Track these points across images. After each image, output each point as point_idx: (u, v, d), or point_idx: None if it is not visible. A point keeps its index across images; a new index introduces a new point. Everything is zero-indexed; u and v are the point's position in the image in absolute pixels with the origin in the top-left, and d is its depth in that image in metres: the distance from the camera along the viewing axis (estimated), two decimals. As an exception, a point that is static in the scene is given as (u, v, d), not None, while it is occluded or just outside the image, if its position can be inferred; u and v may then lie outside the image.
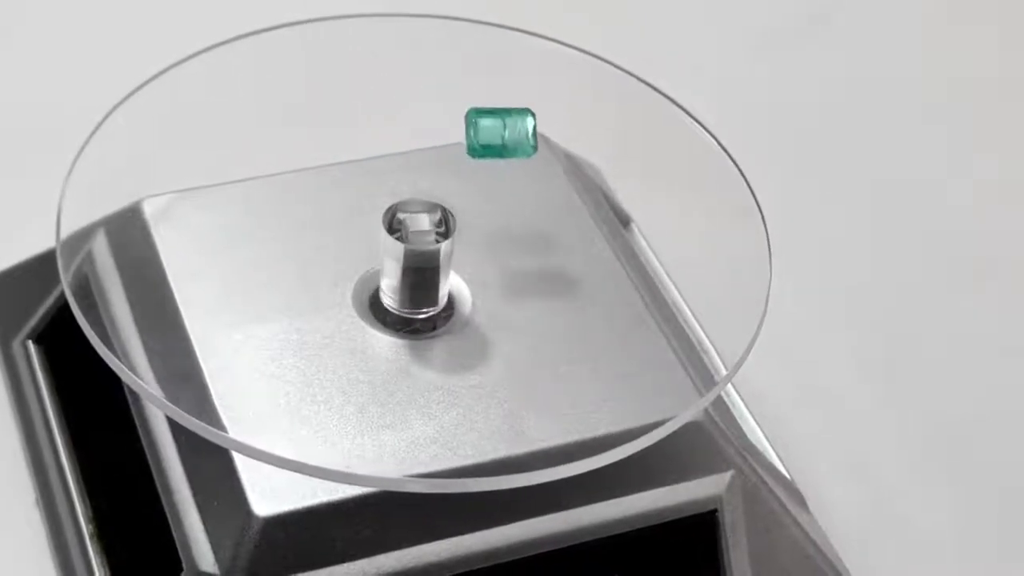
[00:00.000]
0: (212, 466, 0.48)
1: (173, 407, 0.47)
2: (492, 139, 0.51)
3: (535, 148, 0.52)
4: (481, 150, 0.51)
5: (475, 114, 0.51)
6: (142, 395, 0.50)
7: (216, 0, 0.76)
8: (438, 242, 0.50)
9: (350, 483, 0.47)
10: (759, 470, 0.52)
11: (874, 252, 0.69)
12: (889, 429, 0.62)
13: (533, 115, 0.51)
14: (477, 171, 0.57)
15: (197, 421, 0.46)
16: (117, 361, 0.48)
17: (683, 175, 0.58)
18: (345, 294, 0.52)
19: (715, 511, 0.51)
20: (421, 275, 0.51)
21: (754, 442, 0.55)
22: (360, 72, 0.59)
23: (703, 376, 0.52)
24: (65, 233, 0.52)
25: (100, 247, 0.54)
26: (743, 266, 0.53)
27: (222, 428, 0.48)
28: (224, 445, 0.47)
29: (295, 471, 0.46)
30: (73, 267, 0.54)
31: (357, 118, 0.59)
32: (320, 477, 0.47)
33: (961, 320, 0.66)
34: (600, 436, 0.49)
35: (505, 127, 0.51)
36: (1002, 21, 0.83)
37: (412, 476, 0.47)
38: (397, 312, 0.52)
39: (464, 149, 0.55)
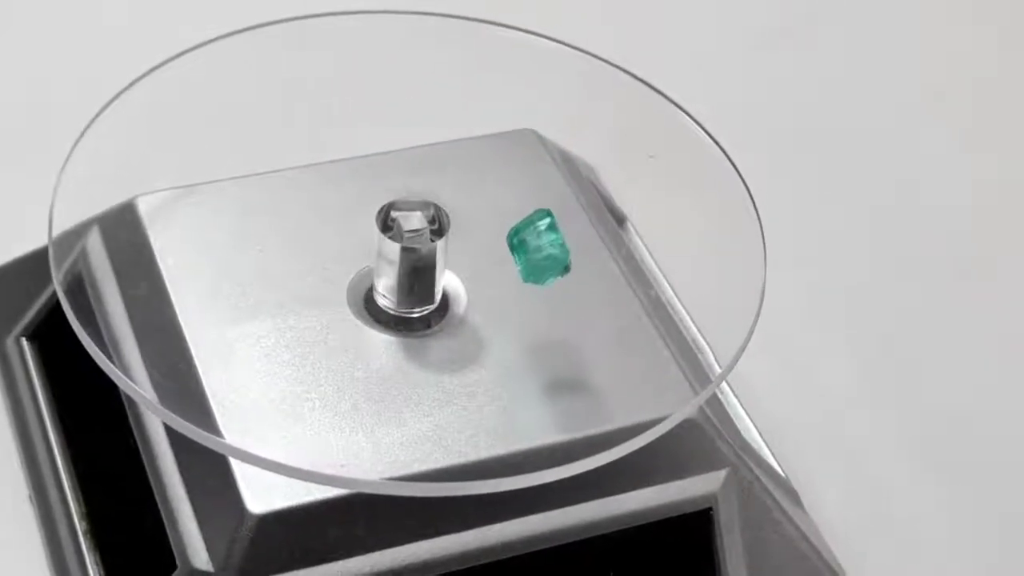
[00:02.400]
0: (206, 463, 0.48)
1: (166, 411, 0.47)
2: (534, 249, 0.50)
3: (536, 283, 0.51)
4: (517, 242, 0.50)
5: (550, 219, 0.50)
6: (136, 399, 0.50)
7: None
8: (432, 240, 0.50)
9: (348, 488, 0.47)
10: (754, 468, 0.52)
11: (870, 251, 0.69)
12: (885, 427, 0.62)
13: (568, 266, 0.50)
14: (472, 169, 0.57)
15: (189, 425, 0.46)
16: (111, 364, 0.48)
17: (679, 174, 0.58)
18: (340, 292, 0.52)
19: (710, 509, 0.51)
20: (415, 273, 0.50)
21: (749, 440, 0.55)
22: (355, 69, 0.59)
23: (698, 374, 0.52)
24: (58, 231, 0.52)
25: (94, 244, 0.54)
26: (738, 265, 0.53)
27: (216, 427, 0.48)
28: (218, 450, 0.47)
29: (291, 476, 0.46)
30: (66, 265, 0.54)
31: (352, 115, 0.59)
32: (321, 483, 0.47)
33: (957, 320, 0.66)
34: (595, 434, 0.49)
35: (547, 248, 0.50)
36: (1002, 21, 0.83)
37: (407, 475, 0.47)
38: (391, 310, 0.52)
39: (459, 147, 0.56)
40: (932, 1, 0.84)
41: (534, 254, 0.50)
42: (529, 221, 0.50)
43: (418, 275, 0.51)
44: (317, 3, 0.58)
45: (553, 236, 0.50)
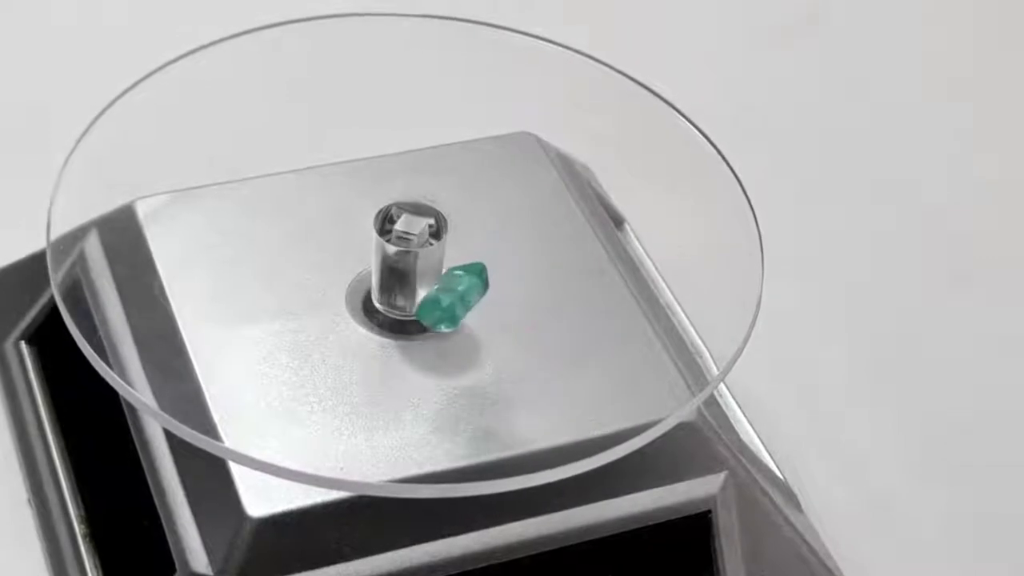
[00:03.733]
0: (205, 467, 0.48)
1: (165, 415, 0.47)
2: (441, 289, 0.50)
3: (421, 319, 0.51)
4: (443, 278, 0.51)
5: (472, 280, 0.50)
6: (134, 404, 0.50)
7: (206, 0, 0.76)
8: (430, 244, 0.50)
9: (348, 491, 0.47)
10: (753, 471, 0.52)
11: (868, 252, 0.69)
12: (882, 429, 0.62)
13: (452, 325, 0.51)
14: (470, 172, 0.57)
15: (189, 429, 0.46)
16: (108, 369, 0.48)
17: (676, 176, 0.58)
18: (338, 295, 0.52)
19: (709, 512, 0.51)
20: (413, 276, 0.50)
21: (747, 443, 0.55)
22: (354, 72, 0.59)
23: (696, 376, 0.52)
24: (56, 234, 0.52)
25: (92, 248, 0.54)
26: (736, 266, 0.53)
27: (215, 432, 0.48)
28: (218, 454, 0.47)
29: (289, 479, 0.46)
30: (64, 268, 0.54)
31: (351, 118, 0.59)
32: (320, 486, 0.47)
33: (955, 321, 0.66)
34: (593, 437, 0.49)
35: (446, 297, 0.50)
36: (1003, 20, 0.83)
37: (406, 478, 0.47)
38: (390, 313, 0.51)
39: (457, 150, 0.56)
40: (932, 1, 0.84)
41: (435, 294, 0.50)
42: (465, 269, 0.50)
43: (416, 278, 0.51)
44: (316, 6, 0.58)
45: (462, 291, 0.50)
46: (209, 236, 0.54)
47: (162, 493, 0.50)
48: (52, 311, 0.57)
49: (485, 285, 0.50)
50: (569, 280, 0.54)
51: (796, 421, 0.61)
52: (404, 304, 0.51)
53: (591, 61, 0.57)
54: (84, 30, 0.75)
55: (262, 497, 0.47)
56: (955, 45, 0.81)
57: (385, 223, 0.50)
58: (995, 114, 0.77)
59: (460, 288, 0.50)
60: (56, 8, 0.77)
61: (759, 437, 0.56)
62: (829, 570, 0.53)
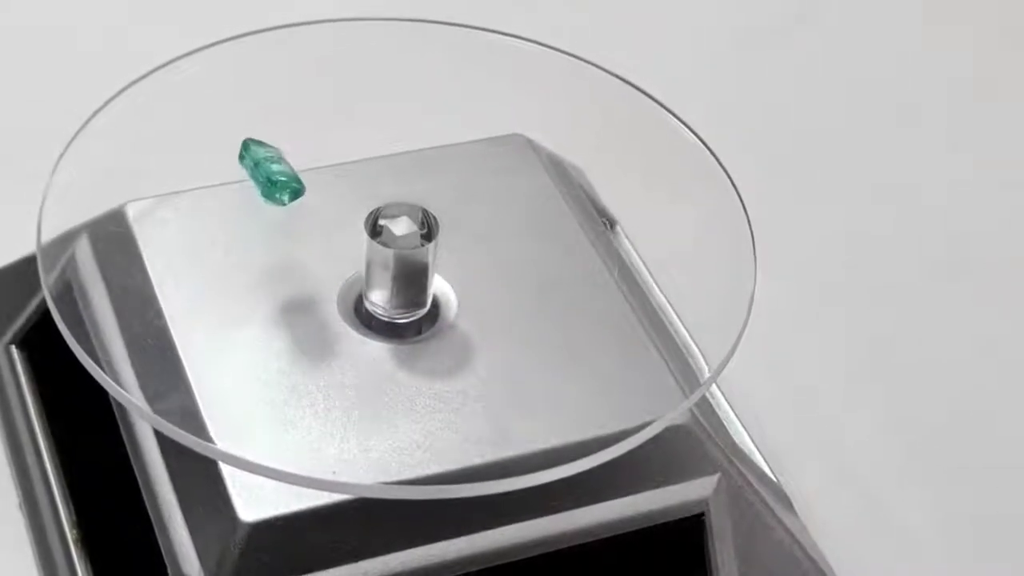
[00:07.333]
0: (198, 471, 0.48)
1: (157, 417, 0.47)
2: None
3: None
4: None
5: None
6: (126, 406, 0.50)
7: (198, 4, 0.76)
8: (421, 245, 0.50)
9: (339, 492, 0.47)
10: (746, 473, 0.52)
11: (860, 253, 0.69)
12: (875, 431, 0.62)
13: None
14: (462, 174, 0.57)
15: (181, 431, 0.46)
16: (100, 372, 0.48)
17: (668, 176, 0.58)
18: (330, 298, 0.52)
19: (702, 514, 0.51)
20: (404, 279, 0.50)
21: (740, 444, 0.55)
22: (345, 76, 0.59)
23: (688, 378, 0.52)
24: (46, 237, 0.52)
25: (83, 251, 0.54)
26: (728, 267, 0.53)
27: (207, 435, 0.48)
28: (210, 456, 0.47)
29: (282, 481, 0.46)
30: (56, 271, 0.54)
31: (342, 121, 0.59)
32: (310, 487, 0.47)
33: (947, 322, 0.66)
34: (585, 439, 0.49)
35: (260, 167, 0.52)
36: (998, 21, 0.83)
37: (398, 482, 0.47)
38: (382, 316, 0.51)
39: (449, 152, 0.56)
40: (925, 1, 0.84)
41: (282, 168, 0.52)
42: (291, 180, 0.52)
43: (408, 280, 0.50)
44: (309, 10, 0.58)
45: (271, 168, 0.52)
46: (200, 239, 0.54)
47: (154, 497, 0.50)
48: (42, 315, 0.57)
49: (288, 192, 0.52)
50: (561, 282, 0.54)
51: (789, 423, 0.61)
52: (396, 306, 0.51)
53: (581, 63, 0.57)
54: (75, 34, 0.75)
55: (254, 501, 0.47)
56: (955, 45, 0.81)
57: (376, 225, 0.50)
58: (995, 114, 0.77)
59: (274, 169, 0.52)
60: (50, 9, 0.77)
61: (752, 439, 0.56)
62: (822, 571, 0.53)
